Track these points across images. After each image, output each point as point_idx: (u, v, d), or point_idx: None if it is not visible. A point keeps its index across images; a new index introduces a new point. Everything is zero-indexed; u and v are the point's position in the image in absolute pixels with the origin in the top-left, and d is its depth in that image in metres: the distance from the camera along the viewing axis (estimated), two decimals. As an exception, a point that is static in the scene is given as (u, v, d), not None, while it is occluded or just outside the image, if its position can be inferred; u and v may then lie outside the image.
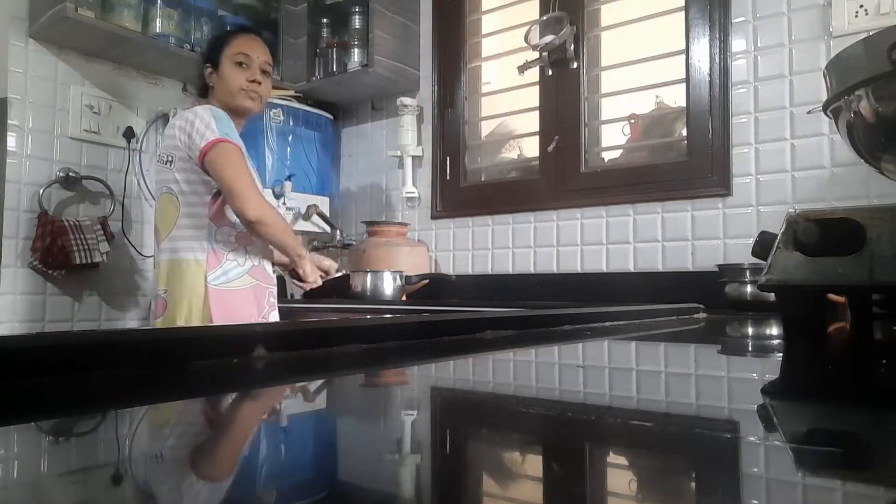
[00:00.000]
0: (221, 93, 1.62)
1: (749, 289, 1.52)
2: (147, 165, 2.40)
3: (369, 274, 2.09)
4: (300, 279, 1.70)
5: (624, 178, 1.99)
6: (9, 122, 2.06)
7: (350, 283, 2.09)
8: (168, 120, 2.40)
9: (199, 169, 1.51)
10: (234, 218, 1.55)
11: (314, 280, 1.68)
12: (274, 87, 1.99)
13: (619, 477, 0.24)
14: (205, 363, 0.43)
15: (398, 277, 2.11)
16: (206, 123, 1.50)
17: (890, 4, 1.57)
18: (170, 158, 1.54)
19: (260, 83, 1.62)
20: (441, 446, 0.28)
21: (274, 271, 1.70)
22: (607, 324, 0.92)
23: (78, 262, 2.08)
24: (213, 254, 1.53)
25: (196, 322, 1.49)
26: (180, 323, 1.50)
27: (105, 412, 0.33)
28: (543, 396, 0.42)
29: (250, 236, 1.58)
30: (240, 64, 1.62)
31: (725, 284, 1.57)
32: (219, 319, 1.51)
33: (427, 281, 2.19)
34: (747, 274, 1.53)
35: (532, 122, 2.22)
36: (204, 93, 1.68)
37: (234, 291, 1.55)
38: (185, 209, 1.53)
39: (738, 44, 1.81)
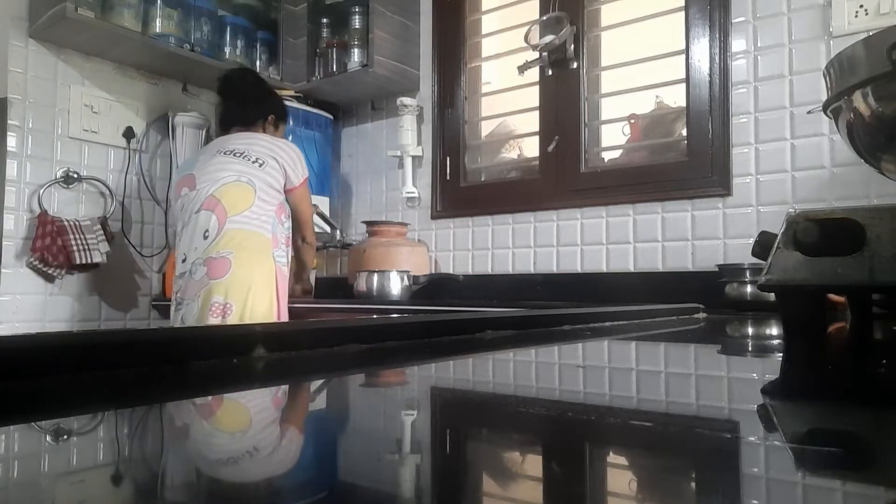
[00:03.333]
0: None
1: (749, 289, 1.52)
2: (147, 165, 2.40)
3: (375, 274, 2.09)
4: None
5: (624, 178, 1.99)
6: (9, 122, 2.06)
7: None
8: (169, 120, 2.41)
9: (282, 186, 1.85)
10: (284, 222, 1.87)
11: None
12: (274, 88, 2.18)
13: (619, 477, 0.24)
14: (205, 363, 0.43)
15: (405, 277, 2.11)
16: (301, 159, 1.92)
17: (890, 4, 1.57)
18: (260, 161, 1.82)
19: None
20: (441, 446, 0.28)
21: None
22: (607, 324, 0.92)
23: (78, 262, 2.08)
24: (274, 238, 1.81)
25: (266, 288, 1.76)
26: (257, 281, 1.73)
27: (105, 412, 0.33)
28: (543, 396, 0.42)
29: (289, 240, 1.90)
30: None
31: (725, 284, 1.57)
32: (281, 291, 1.82)
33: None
34: (747, 274, 1.53)
35: (532, 122, 2.22)
36: (243, 123, 1.96)
37: (285, 269, 1.85)
38: (259, 202, 1.79)
39: (738, 44, 1.81)
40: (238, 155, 1.84)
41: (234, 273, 1.70)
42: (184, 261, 1.78)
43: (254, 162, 1.82)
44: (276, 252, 1.81)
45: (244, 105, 1.98)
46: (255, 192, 1.79)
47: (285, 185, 1.86)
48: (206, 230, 1.75)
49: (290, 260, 1.91)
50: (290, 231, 1.92)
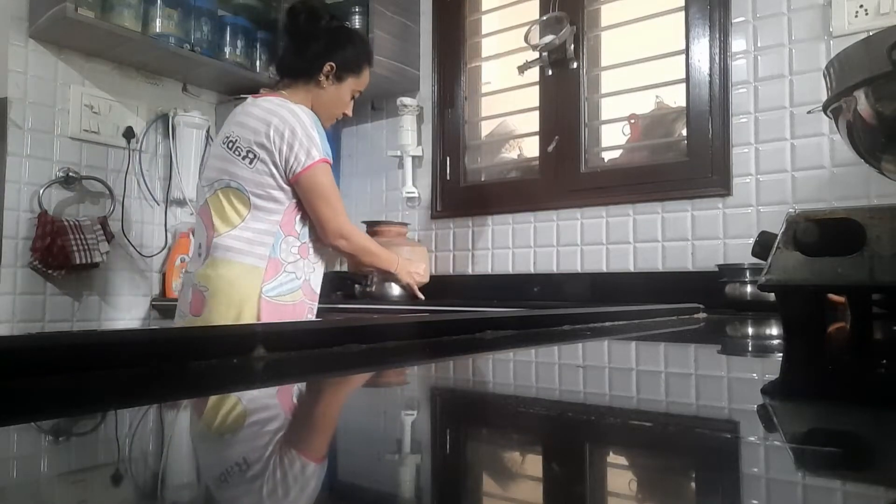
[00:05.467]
0: (322, 101, 1.56)
1: (749, 289, 1.52)
2: (147, 165, 2.40)
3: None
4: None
5: (624, 178, 1.99)
6: (9, 122, 2.06)
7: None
8: (169, 120, 2.40)
9: (285, 179, 1.44)
10: (300, 229, 1.50)
11: (418, 282, 1.74)
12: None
13: (619, 477, 0.24)
14: (205, 363, 0.43)
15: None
16: (311, 137, 1.43)
17: (890, 4, 1.57)
18: (251, 156, 1.43)
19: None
20: (441, 446, 0.28)
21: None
22: (607, 324, 0.92)
23: (78, 262, 2.08)
24: (273, 263, 1.45)
25: None
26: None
27: (105, 412, 0.33)
28: (543, 396, 0.42)
29: (308, 248, 1.53)
30: (353, 97, 1.61)
31: (725, 284, 1.57)
32: None
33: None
34: (747, 274, 1.53)
35: (532, 122, 2.22)
36: (292, 75, 1.56)
37: (284, 305, 1.47)
38: (258, 213, 1.44)
39: (738, 44, 1.81)
40: (231, 147, 1.47)
41: (208, 318, 1.42)
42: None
43: (244, 158, 1.44)
44: (269, 286, 1.43)
45: (289, 52, 1.58)
46: (247, 203, 1.44)
47: (286, 174, 1.43)
48: (200, 245, 1.51)
49: (308, 279, 1.53)
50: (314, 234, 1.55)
